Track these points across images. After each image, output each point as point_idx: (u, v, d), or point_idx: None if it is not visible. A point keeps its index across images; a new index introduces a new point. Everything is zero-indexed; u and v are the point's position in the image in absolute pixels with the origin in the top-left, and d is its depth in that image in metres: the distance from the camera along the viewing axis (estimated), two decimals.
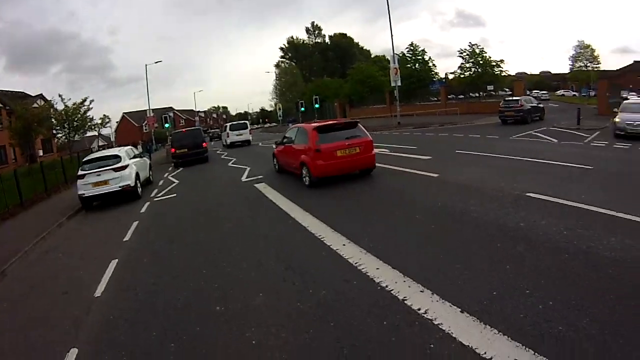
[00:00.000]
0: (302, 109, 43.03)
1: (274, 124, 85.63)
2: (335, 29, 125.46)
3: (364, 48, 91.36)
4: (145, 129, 38.19)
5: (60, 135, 34.24)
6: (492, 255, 4.68)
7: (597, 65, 54.94)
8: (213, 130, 69.74)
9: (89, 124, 33.39)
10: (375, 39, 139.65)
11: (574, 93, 59.85)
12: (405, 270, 4.51)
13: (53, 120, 32.10)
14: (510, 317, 3.35)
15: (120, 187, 11.54)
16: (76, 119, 31.68)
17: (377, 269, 4.67)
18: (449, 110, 30.29)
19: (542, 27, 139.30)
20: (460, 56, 40.89)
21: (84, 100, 32.27)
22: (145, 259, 6.47)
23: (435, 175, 9.50)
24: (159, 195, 12.44)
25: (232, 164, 17.90)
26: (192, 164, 19.94)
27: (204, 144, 20.91)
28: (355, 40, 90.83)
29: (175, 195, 12.10)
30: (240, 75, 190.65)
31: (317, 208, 7.75)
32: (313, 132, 9.52)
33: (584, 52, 55.06)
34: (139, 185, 12.55)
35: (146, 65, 37.20)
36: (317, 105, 38.73)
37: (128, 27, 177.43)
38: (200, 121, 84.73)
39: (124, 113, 77.77)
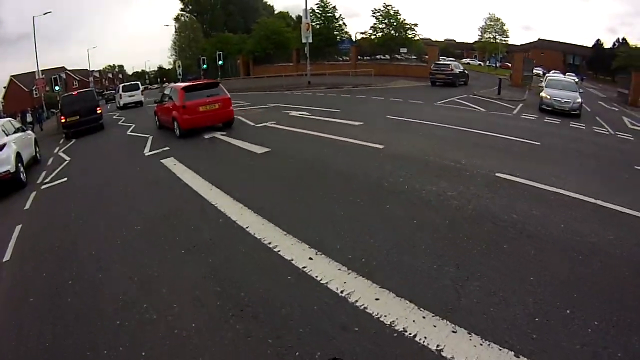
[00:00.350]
0: (204, 66, 38.74)
1: (172, 83, 79.19)
2: None
3: (268, 4, 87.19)
4: (36, 94, 30.57)
5: None
6: (507, 264, 3.62)
7: (506, 39, 57.60)
8: (108, 92, 61.98)
9: None
10: None
11: (479, 62, 62.72)
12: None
13: None
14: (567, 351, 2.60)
15: None
16: None
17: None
18: (361, 71, 29.42)
19: None
20: (373, 16, 40.09)
21: None
22: (33, 299, 4.00)
23: (381, 146, 8.15)
24: (47, 180, 9.41)
25: (132, 131, 14.87)
26: (86, 133, 16.55)
27: (98, 109, 17.45)
28: None
29: (66, 179, 9.08)
30: (137, 31, 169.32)
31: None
32: (181, 92, 11.21)
33: (494, 24, 56.97)
34: (21, 169, 9.52)
35: (33, 17, 29.75)
36: (220, 62, 34.45)
37: None
38: (95, 82, 73.77)
39: (11, 76, 65.29)
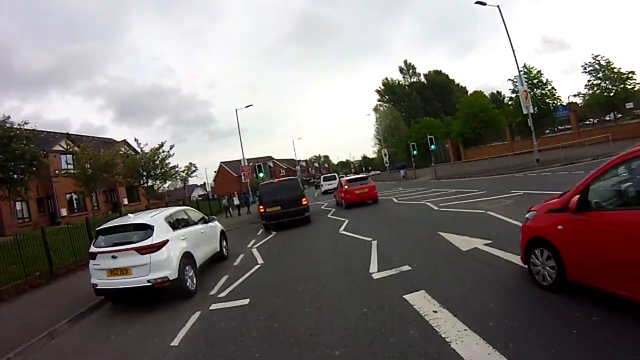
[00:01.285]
0: (415, 152, 39.84)
1: (377, 172, 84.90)
2: (427, 67, 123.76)
3: (460, 85, 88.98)
4: (244, 180, 36.41)
5: (138, 183, 29.73)
6: None
7: None
8: (315, 180, 71.47)
9: (172, 172, 29.91)
10: (468, 75, 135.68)
11: None
12: None
13: (122, 165, 28.98)
14: None
15: (149, 281, 6.89)
16: (153, 166, 28.19)
17: None
18: (592, 139, 24.63)
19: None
20: (585, 72, 35.40)
21: (162, 145, 28.57)
22: None
23: None
24: (222, 294, 7.23)
25: (345, 230, 12.38)
26: (289, 226, 15.27)
27: (303, 199, 15.60)
28: (451, 77, 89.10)
29: (247, 302, 6.42)
30: (338, 123, 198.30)
31: None
32: (346, 182, 20.13)
33: None
34: (190, 274, 7.68)
35: (236, 110, 35.12)
36: (432, 147, 34.72)
37: (224, 81, 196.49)
38: (301, 170, 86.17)
39: (221, 162, 76.71)
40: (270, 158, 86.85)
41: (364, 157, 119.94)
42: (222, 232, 11.14)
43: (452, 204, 13.95)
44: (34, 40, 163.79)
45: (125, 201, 38.79)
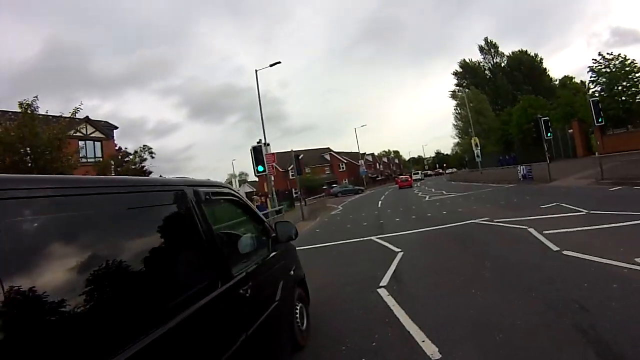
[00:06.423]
0: (549, 133, 21.77)
1: (453, 169, 74.24)
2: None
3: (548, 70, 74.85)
4: (296, 176, 25.63)
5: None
6: None
7: None
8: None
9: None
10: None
11: None
12: None
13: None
14: None
15: None
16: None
17: None
18: None
19: None
20: None
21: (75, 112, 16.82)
22: None
23: None
24: None
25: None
26: None
27: None
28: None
29: None
30: (409, 120, 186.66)
31: None
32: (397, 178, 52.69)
33: None
34: None
35: (256, 70, 23.70)
36: (549, 134, 22.81)
37: (295, 80, 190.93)
38: (367, 166, 71.65)
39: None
40: (327, 150, 75.32)
41: (438, 153, 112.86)
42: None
43: None
44: (114, 46, 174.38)
45: None
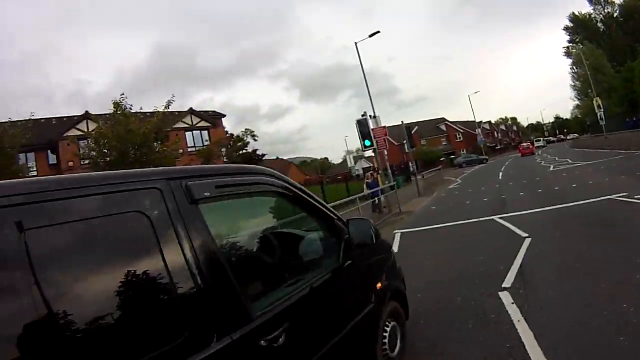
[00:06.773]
0: None
1: (574, 135, 64.92)
2: None
3: None
4: (408, 149, 24.42)
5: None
6: None
7: None
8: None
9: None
10: None
11: None
12: None
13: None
14: None
15: None
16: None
17: None
18: None
19: None
20: None
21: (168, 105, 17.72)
22: None
23: None
24: None
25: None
26: None
27: None
28: None
29: None
30: (523, 84, 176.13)
31: None
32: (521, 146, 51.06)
33: None
34: None
35: (355, 43, 21.70)
36: None
37: (400, 52, 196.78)
38: (484, 134, 64.02)
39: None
40: (442, 120, 71.94)
41: (557, 118, 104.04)
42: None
43: None
44: (217, 41, 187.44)
45: None
